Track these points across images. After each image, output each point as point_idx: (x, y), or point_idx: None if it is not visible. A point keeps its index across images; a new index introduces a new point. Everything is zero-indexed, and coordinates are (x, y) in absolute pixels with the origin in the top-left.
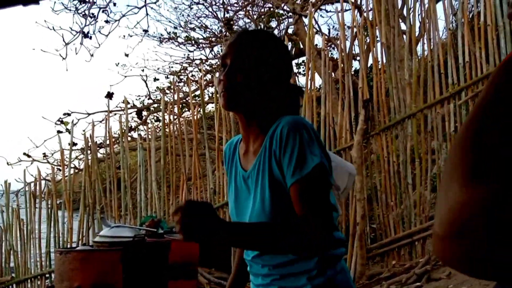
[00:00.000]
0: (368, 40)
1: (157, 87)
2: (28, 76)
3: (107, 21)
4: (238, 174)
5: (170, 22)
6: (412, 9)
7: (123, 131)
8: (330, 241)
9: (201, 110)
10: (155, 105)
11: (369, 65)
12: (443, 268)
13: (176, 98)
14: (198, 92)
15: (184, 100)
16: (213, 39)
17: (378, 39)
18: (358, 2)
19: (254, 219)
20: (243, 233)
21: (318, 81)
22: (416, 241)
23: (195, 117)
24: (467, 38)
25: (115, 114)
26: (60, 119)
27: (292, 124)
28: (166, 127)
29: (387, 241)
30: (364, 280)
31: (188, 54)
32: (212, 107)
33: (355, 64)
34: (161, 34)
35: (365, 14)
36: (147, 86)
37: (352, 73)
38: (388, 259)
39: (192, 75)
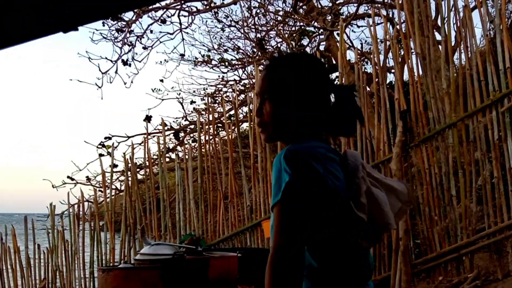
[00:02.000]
0: (402, 52)
1: (194, 108)
2: (71, 103)
3: (144, 47)
4: None
5: (204, 45)
6: (446, 18)
7: (161, 152)
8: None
9: (236, 129)
10: (191, 126)
11: (404, 78)
12: (495, 284)
13: (211, 118)
14: (232, 112)
15: (219, 120)
16: (246, 59)
17: (413, 50)
18: (390, 15)
19: None
20: None
21: None
22: (463, 256)
23: (230, 136)
24: (506, 44)
25: (153, 136)
26: (102, 143)
27: (276, 158)
28: (202, 147)
29: (433, 256)
30: None
31: (222, 76)
32: (247, 126)
33: (390, 77)
34: (196, 58)
35: (397, 27)
36: (183, 108)
37: (387, 86)
38: (435, 275)
39: (226, 96)
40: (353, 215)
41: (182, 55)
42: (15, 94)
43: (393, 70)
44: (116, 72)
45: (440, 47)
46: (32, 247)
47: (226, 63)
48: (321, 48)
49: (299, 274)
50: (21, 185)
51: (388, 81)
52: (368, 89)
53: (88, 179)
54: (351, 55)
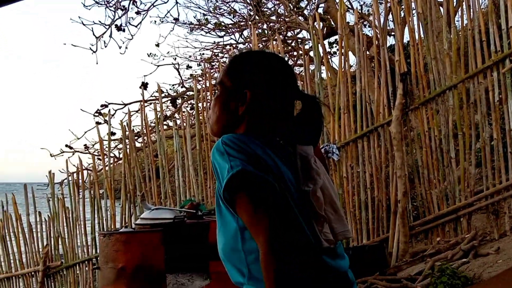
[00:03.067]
0: (403, 14)
1: (190, 75)
2: (66, 70)
3: (138, 12)
4: None
5: (199, 8)
6: None
7: (159, 119)
8: (280, 248)
9: None
10: (189, 93)
11: (404, 40)
12: (491, 243)
13: (208, 84)
14: None
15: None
16: (242, 23)
17: (414, 11)
18: None
19: None
20: None
21: (352, 59)
22: (461, 217)
23: None
24: (510, 3)
25: (150, 103)
26: (98, 111)
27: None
28: (200, 114)
29: (431, 218)
30: (408, 257)
31: (218, 40)
32: None
33: (390, 41)
34: (191, 22)
35: None
36: (179, 74)
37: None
38: (432, 236)
39: (223, 61)
40: (307, 211)
41: (176, 19)
42: (12, 64)
43: (393, 33)
44: (110, 36)
45: (441, 7)
46: (34, 215)
47: (223, 27)
48: (320, 10)
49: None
50: (20, 154)
51: (388, 45)
52: (367, 53)
53: (86, 147)
54: (350, 18)
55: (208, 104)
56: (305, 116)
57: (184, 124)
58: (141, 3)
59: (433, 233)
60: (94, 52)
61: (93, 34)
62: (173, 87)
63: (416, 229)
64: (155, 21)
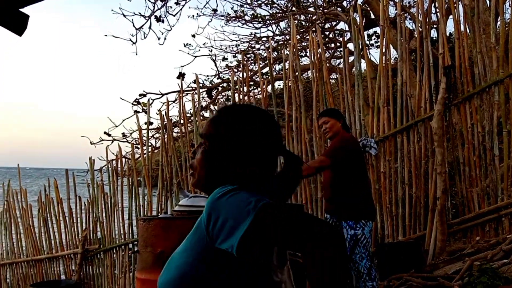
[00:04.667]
0: (447, 6)
1: (227, 65)
2: (107, 60)
3: (177, 3)
4: None
5: (237, 0)
6: None
7: (196, 110)
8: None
9: (270, 87)
10: (224, 84)
11: (448, 33)
12: None
13: (244, 76)
14: (266, 69)
15: (252, 78)
16: (280, 14)
17: (460, 2)
18: None
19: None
20: None
21: (392, 52)
22: (503, 217)
23: (264, 94)
24: None
25: (187, 94)
26: (137, 100)
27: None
28: None
29: (471, 217)
30: (445, 256)
31: (255, 32)
32: (281, 84)
33: (432, 33)
34: (228, 13)
35: None
36: (216, 65)
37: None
38: (472, 236)
39: (260, 53)
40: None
41: (215, 10)
42: (51, 56)
43: (435, 26)
44: (150, 28)
45: None
46: (74, 199)
47: (260, 19)
48: (360, 1)
49: None
50: (62, 141)
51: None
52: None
53: (124, 135)
54: (390, 10)
55: (244, 95)
56: (284, 174)
57: None
58: None
59: (473, 232)
60: (134, 43)
61: (133, 25)
62: (208, 78)
63: (454, 227)
64: (193, 16)
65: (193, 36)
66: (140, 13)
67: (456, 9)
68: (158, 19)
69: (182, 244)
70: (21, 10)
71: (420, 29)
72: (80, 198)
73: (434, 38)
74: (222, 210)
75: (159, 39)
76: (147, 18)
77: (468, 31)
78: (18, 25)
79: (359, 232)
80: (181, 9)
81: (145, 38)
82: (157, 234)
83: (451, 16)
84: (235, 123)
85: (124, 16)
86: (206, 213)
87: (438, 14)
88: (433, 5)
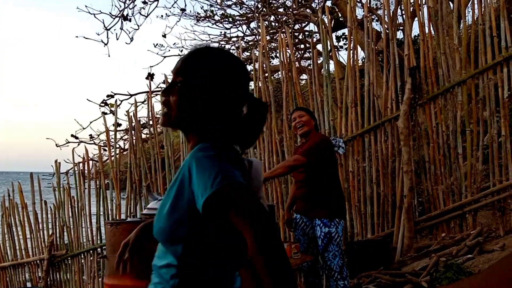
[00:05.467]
0: (412, 8)
1: None
2: (72, 61)
3: (145, 2)
4: None
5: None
6: None
7: None
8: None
9: None
10: None
11: (413, 35)
12: (496, 240)
13: None
14: None
15: None
16: (250, 15)
17: (425, 3)
18: None
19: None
20: None
21: (360, 53)
22: (467, 213)
23: None
24: None
25: (157, 94)
26: (104, 101)
27: (192, 159)
28: None
29: (436, 214)
30: (412, 253)
31: (225, 32)
32: (251, 85)
33: (398, 35)
34: (198, 13)
35: None
36: None
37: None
38: (437, 232)
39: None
40: None
41: (183, 10)
42: (18, 52)
43: (401, 27)
44: (121, 28)
45: (451, 2)
46: (39, 204)
47: (230, 19)
48: (328, 3)
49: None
50: (25, 144)
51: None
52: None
53: (91, 137)
54: (359, 12)
55: None
56: (249, 118)
57: None
58: None
59: (438, 228)
60: (105, 44)
61: (104, 25)
62: None
63: (421, 225)
64: (162, 16)
65: (164, 36)
66: (110, 13)
67: (421, 12)
68: (125, 18)
69: (167, 193)
70: None
71: (387, 31)
72: (46, 202)
73: (401, 39)
74: (199, 173)
75: (131, 39)
76: (113, 17)
77: (432, 33)
78: None
79: (333, 230)
80: (153, 9)
81: (117, 39)
82: (125, 238)
83: (416, 18)
84: (208, 60)
85: (91, 13)
86: (187, 170)
87: (404, 16)
88: (399, 7)
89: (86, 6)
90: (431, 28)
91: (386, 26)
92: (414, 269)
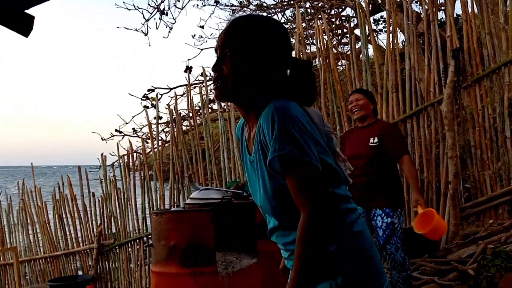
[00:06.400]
0: None
1: None
2: (113, 56)
3: None
4: (246, 156)
5: None
6: None
7: (204, 103)
8: (329, 217)
9: None
10: None
11: (455, 15)
12: None
13: None
14: None
15: None
16: (285, 2)
17: None
18: None
19: (262, 203)
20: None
21: (400, 37)
22: None
23: None
24: None
25: (195, 87)
26: (145, 95)
27: (271, 114)
28: None
29: (483, 200)
30: (458, 240)
31: None
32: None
33: (440, 15)
34: (232, 4)
35: None
36: None
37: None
38: (485, 219)
39: None
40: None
41: (217, 1)
42: (58, 54)
43: (443, 8)
44: (160, 18)
45: None
46: (88, 196)
47: (265, 8)
48: None
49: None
50: (72, 138)
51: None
52: (416, 29)
53: (134, 131)
54: None
55: None
56: (296, 77)
57: (229, 107)
58: None
59: (486, 215)
60: (145, 34)
61: (143, 16)
62: None
63: (467, 211)
64: (197, 5)
65: (202, 27)
66: (149, 4)
67: None
68: (162, 12)
69: (251, 165)
70: (26, 11)
71: (427, 12)
72: (94, 194)
73: (442, 20)
74: (273, 132)
75: (170, 30)
76: (151, 12)
77: (476, 12)
78: (24, 26)
79: (395, 221)
80: (188, 2)
81: (157, 28)
82: (170, 227)
83: None
84: (249, 27)
85: (128, 9)
86: (263, 132)
87: None
88: None
89: (123, 2)
90: (475, 7)
91: (426, 7)
92: (460, 256)
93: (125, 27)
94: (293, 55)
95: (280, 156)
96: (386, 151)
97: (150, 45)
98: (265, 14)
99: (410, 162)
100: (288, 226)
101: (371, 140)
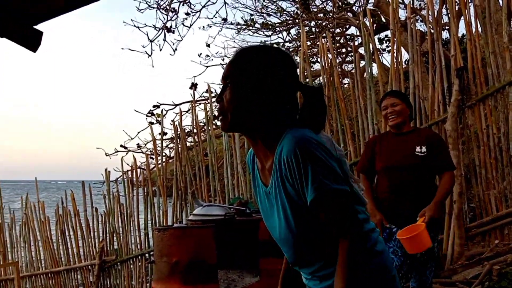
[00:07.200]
0: (458, 7)
1: None
2: (119, 73)
3: (187, 14)
4: (260, 187)
5: (247, 8)
6: None
7: (209, 119)
8: (360, 242)
9: None
10: None
11: (460, 34)
12: None
13: None
14: None
15: None
16: (290, 21)
17: (471, 2)
18: None
19: (283, 234)
20: None
21: (404, 55)
22: None
23: None
24: None
25: (200, 103)
26: (151, 111)
27: (295, 147)
28: None
29: (488, 220)
30: (463, 260)
31: (265, 40)
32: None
33: (444, 35)
34: (238, 23)
35: None
36: None
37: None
38: (490, 239)
39: None
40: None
41: (225, 20)
42: (63, 70)
43: (447, 27)
44: (164, 40)
45: None
46: (90, 211)
47: (270, 26)
48: (369, 5)
49: None
50: (77, 153)
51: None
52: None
53: (139, 146)
54: (401, 13)
55: None
56: (308, 104)
57: None
58: (191, 4)
59: (491, 235)
60: (149, 55)
61: (148, 37)
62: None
63: (472, 231)
64: (203, 27)
65: (208, 45)
66: (154, 25)
67: (467, 10)
68: (169, 30)
69: (268, 198)
70: (35, 27)
71: (432, 31)
72: (97, 209)
73: (446, 39)
74: (309, 166)
75: (174, 51)
76: (158, 30)
77: (480, 32)
78: (33, 41)
79: (434, 245)
80: (195, 20)
81: (161, 50)
82: (172, 243)
83: (462, 17)
84: (255, 58)
85: (137, 27)
86: (288, 166)
87: (449, 15)
88: (444, 6)
89: (132, 20)
90: (479, 27)
91: (430, 26)
92: (466, 277)
93: (129, 49)
94: (304, 83)
95: (325, 192)
96: (431, 161)
97: (153, 66)
98: (270, 32)
99: (454, 177)
100: (313, 257)
101: (418, 149)
